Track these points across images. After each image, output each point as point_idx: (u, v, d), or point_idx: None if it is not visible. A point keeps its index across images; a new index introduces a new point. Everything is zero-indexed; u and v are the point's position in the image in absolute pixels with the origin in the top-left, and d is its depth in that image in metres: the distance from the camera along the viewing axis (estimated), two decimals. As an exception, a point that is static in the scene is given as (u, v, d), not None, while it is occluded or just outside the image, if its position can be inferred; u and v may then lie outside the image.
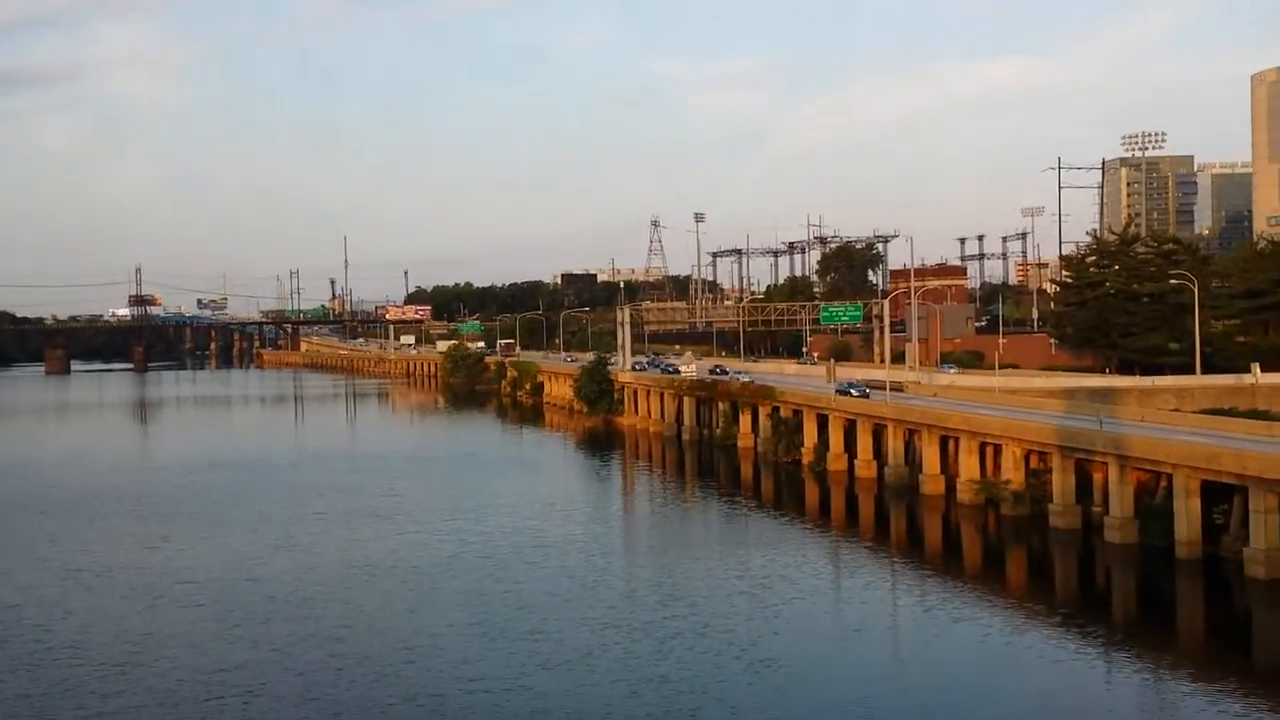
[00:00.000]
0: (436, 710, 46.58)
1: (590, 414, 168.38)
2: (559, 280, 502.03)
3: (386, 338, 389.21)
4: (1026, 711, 47.58)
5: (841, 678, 51.42)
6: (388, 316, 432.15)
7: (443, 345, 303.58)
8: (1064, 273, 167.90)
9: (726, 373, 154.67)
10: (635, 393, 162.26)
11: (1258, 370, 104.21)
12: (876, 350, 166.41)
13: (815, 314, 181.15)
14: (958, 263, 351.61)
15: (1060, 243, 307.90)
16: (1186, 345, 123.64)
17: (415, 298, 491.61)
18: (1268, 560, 63.39)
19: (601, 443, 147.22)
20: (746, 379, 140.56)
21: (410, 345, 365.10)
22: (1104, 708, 48.56)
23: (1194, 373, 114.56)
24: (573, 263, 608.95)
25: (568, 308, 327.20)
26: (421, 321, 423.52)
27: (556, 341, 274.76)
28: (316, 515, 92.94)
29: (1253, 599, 62.65)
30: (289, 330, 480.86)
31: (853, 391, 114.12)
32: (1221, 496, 69.17)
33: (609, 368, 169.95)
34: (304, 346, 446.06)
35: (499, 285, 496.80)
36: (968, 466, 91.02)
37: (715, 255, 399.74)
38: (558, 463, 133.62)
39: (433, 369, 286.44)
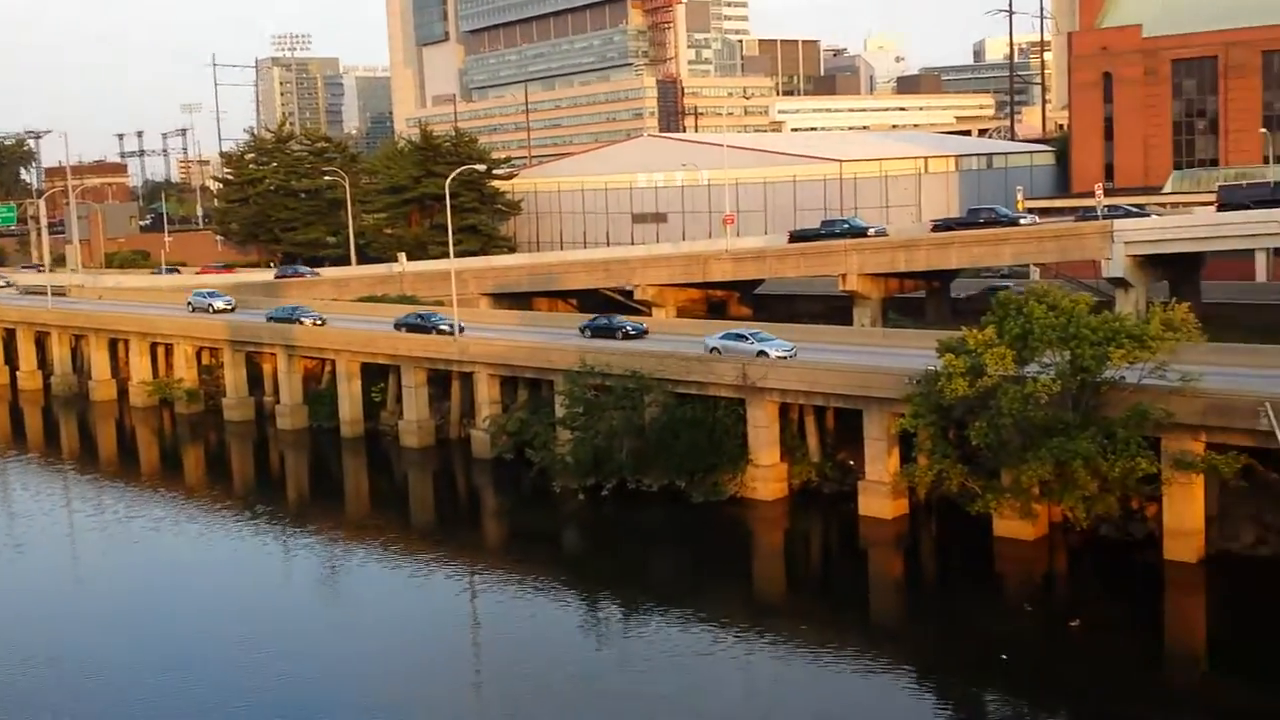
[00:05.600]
0: None
1: None
2: None
3: None
4: (192, 592, 50.11)
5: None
6: None
7: None
8: (225, 170, 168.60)
9: None
10: None
11: (403, 259, 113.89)
12: (35, 253, 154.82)
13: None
14: (118, 160, 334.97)
15: (220, 140, 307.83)
16: (342, 238, 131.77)
17: None
18: (419, 430, 72.01)
19: None
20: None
21: None
22: (319, 579, 52.89)
23: (350, 264, 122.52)
24: None
25: None
26: None
27: None
28: None
29: (408, 465, 70.83)
30: None
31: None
32: (379, 376, 76.69)
33: None
34: None
35: None
36: (140, 369, 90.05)
37: None
38: None
39: None
